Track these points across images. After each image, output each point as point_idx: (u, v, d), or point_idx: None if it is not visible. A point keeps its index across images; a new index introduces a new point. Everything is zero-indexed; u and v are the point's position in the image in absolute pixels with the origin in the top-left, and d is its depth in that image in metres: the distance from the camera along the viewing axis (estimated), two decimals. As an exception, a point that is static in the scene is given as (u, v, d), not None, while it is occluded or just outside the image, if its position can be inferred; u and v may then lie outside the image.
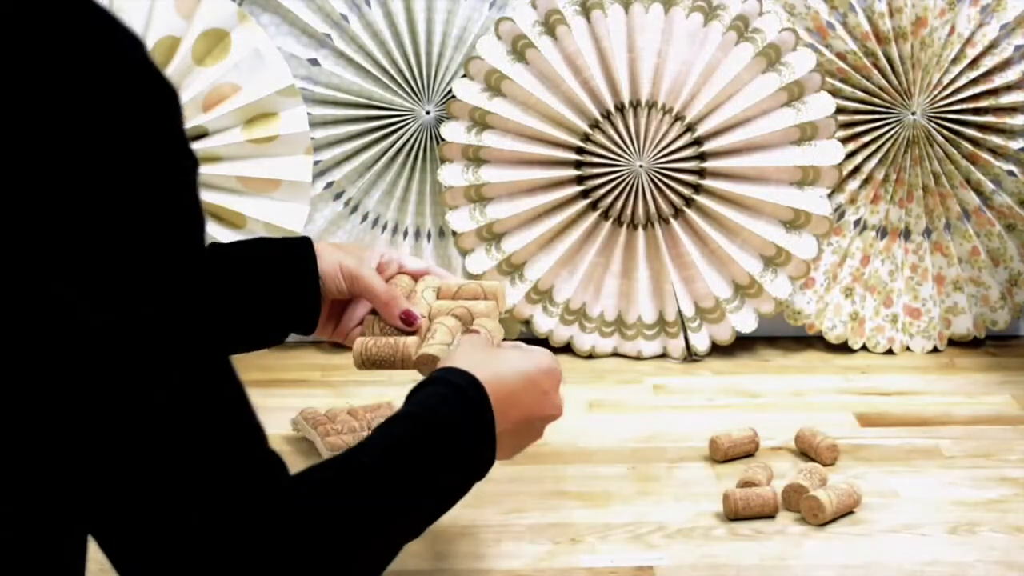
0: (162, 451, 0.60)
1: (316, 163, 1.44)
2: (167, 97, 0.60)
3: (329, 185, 1.46)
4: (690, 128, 1.44)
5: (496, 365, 0.89)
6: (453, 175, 1.45)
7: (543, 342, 1.49)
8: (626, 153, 1.44)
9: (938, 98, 1.46)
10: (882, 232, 1.52)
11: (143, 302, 0.59)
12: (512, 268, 1.49)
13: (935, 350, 1.55)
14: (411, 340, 1.01)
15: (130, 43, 0.59)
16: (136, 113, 0.58)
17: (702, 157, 1.45)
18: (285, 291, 1.01)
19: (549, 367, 0.93)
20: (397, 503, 0.76)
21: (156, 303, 0.59)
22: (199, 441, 0.61)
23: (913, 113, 1.47)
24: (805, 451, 1.24)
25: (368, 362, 1.02)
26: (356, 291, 1.03)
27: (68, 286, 0.57)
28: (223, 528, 0.63)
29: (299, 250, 1.02)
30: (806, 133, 1.45)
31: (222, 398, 0.63)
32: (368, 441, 0.78)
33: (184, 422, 0.61)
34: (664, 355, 1.52)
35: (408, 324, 1.02)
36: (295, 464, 0.67)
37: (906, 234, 1.53)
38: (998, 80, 1.46)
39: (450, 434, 0.82)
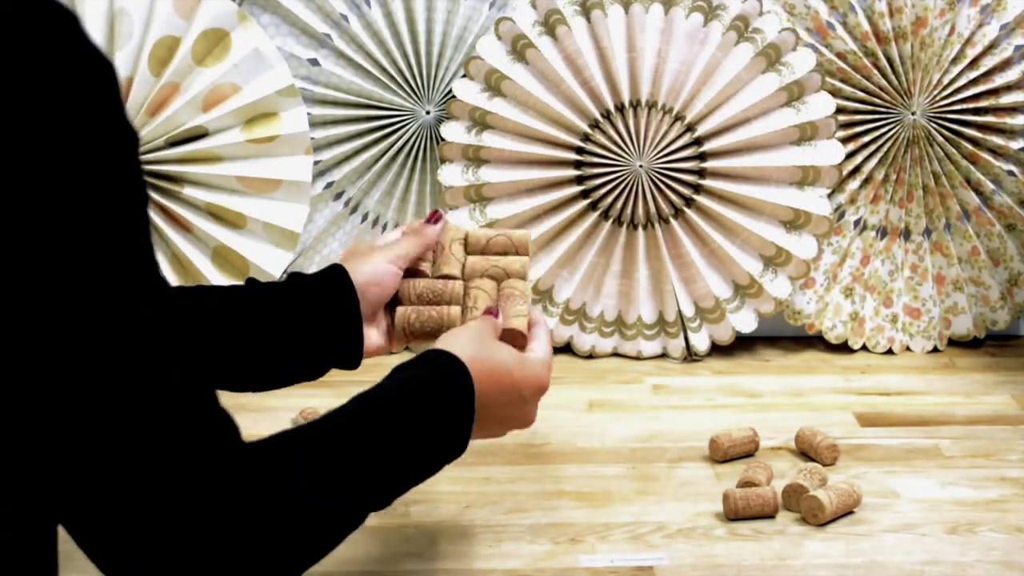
0: (131, 439, 0.60)
1: (316, 163, 1.44)
2: (103, 73, 0.59)
3: (329, 185, 1.46)
4: (690, 128, 1.44)
5: (487, 359, 0.90)
6: (453, 175, 1.45)
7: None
8: (626, 153, 1.44)
9: (938, 98, 1.46)
10: (882, 232, 1.52)
11: (82, 280, 0.58)
12: (512, 268, 1.49)
13: (935, 350, 1.55)
14: (455, 310, 1.01)
15: (63, 18, 0.58)
16: (71, 91, 0.57)
17: (702, 157, 1.45)
18: (326, 332, 1.01)
19: (536, 376, 0.93)
20: (365, 471, 0.77)
21: (96, 280, 0.59)
22: (160, 414, 0.61)
23: (913, 113, 1.47)
24: (805, 451, 1.24)
25: (412, 334, 1.02)
26: (412, 263, 1.04)
27: (8, 269, 0.57)
28: (200, 517, 0.63)
29: (335, 284, 1.01)
30: (806, 133, 1.45)
31: (177, 373, 0.63)
32: (346, 409, 0.79)
33: (154, 408, 0.61)
34: (664, 355, 1.52)
35: (436, 220, 1.06)
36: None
37: (906, 234, 1.53)
38: (998, 80, 1.46)
39: (427, 416, 0.83)
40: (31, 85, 0.56)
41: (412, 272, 1.05)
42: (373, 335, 1.03)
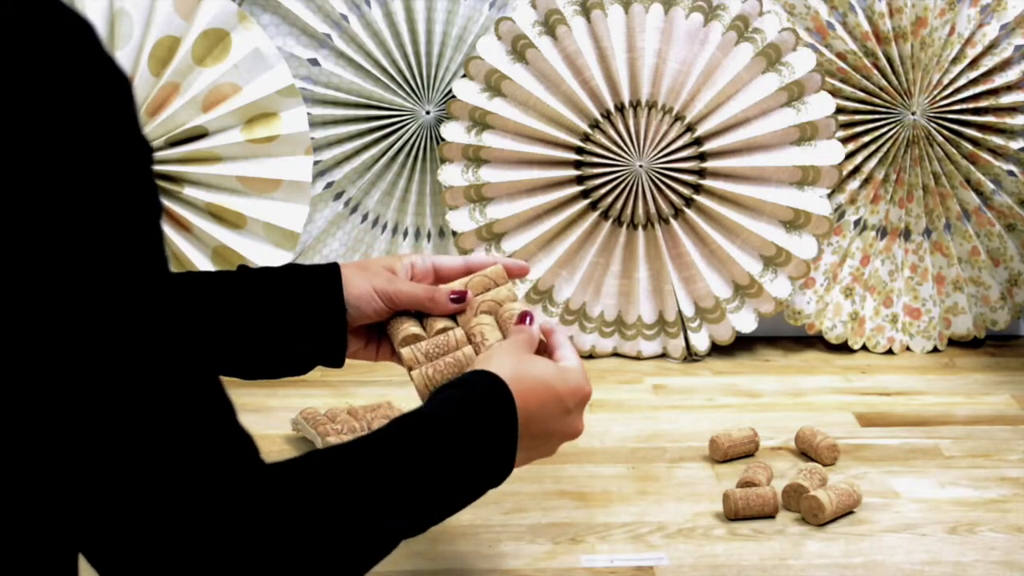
0: (140, 443, 0.60)
1: (316, 163, 1.44)
2: (118, 84, 0.59)
3: (329, 185, 1.46)
4: (690, 128, 1.44)
5: (525, 374, 0.89)
6: (453, 175, 1.45)
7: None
8: (626, 153, 1.44)
9: (938, 98, 1.46)
10: (882, 232, 1.52)
11: (100, 294, 0.58)
12: (512, 268, 1.49)
13: (935, 350, 1.55)
14: (468, 349, 0.99)
15: (79, 28, 0.58)
16: (85, 101, 0.57)
17: (702, 157, 1.45)
18: (310, 326, 0.99)
19: (577, 385, 0.92)
20: (392, 494, 0.75)
21: (114, 294, 0.58)
22: (180, 432, 0.61)
23: (913, 113, 1.47)
24: (805, 451, 1.24)
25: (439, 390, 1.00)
26: (397, 306, 1.01)
27: (27, 283, 0.56)
28: (217, 540, 0.62)
29: (326, 282, 1.00)
30: (806, 133, 1.45)
31: (198, 390, 0.62)
32: (377, 431, 0.78)
33: (166, 415, 0.60)
34: (664, 355, 1.52)
35: (461, 300, 1.02)
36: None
37: (906, 234, 1.53)
38: (998, 80, 1.46)
39: (465, 437, 0.82)
40: (46, 94, 0.56)
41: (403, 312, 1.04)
42: (352, 342, 1.03)
